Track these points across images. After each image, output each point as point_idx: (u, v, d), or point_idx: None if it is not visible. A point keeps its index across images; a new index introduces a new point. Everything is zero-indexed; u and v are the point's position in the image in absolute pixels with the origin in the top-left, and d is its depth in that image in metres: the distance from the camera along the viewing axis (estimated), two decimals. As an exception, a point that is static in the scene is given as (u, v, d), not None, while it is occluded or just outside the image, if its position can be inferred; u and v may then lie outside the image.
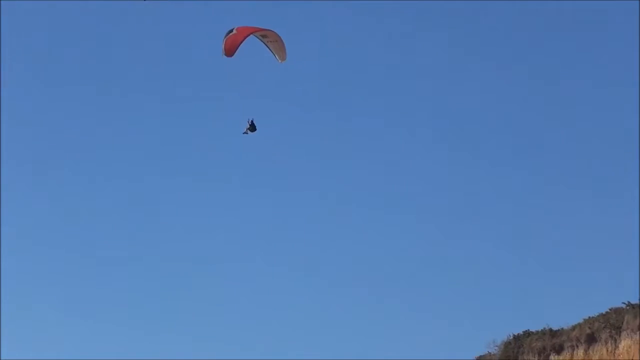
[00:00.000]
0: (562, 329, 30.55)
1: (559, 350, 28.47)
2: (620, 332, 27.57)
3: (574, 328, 29.29)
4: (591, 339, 27.83)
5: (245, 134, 37.41)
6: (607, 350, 27.43)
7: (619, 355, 27.08)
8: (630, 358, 26.51)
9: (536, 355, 29.02)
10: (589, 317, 30.76)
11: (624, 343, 26.94)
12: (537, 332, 32.51)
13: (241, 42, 34.30)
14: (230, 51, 33.52)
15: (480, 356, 31.30)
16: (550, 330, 31.34)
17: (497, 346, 29.97)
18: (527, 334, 32.95)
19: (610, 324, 28.14)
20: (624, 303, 30.98)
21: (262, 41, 35.86)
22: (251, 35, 34.61)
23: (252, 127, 37.59)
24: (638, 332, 25.94)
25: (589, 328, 28.89)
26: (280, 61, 36.39)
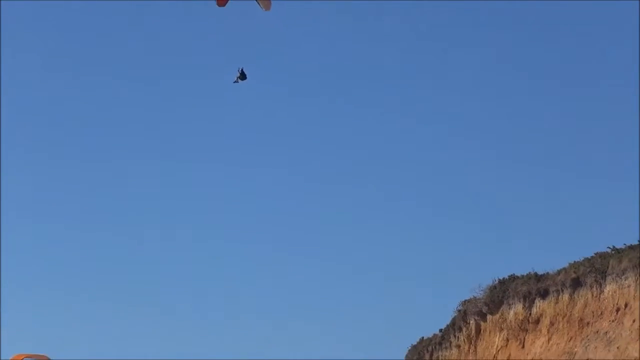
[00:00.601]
0: (548, 273, 30.60)
1: (544, 294, 28.65)
2: (605, 276, 27.78)
3: (559, 272, 29.39)
4: (576, 283, 28.01)
5: (235, 83, 37.64)
6: (592, 295, 27.62)
7: (604, 299, 27.33)
8: (615, 302, 26.79)
9: (521, 300, 29.19)
10: (574, 261, 30.79)
11: (609, 287, 27.14)
12: (523, 276, 32.50)
13: None
14: (222, 0, 33.89)
15: (466, 300, 31.61)
16: (536, 274, 31.36)
17: (482, 290, 30.23)
18: (513, 278, 32.96)
19: (595, 269, 28.24)
20: (608, 247, 31.04)
21: None
22: None
23: (242, 76, 37.84)
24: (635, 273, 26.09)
25: (574, 272, 29.05)
26: (264, 10, 36.74)
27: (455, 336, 31.99)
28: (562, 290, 28.53)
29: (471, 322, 30.59)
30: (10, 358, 37.26)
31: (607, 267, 27.93)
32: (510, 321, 28.71)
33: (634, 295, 26.54)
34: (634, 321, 26.10)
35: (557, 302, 28.62)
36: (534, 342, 27.54)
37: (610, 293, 26.83)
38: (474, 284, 32.09)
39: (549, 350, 26.66)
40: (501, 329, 28.51)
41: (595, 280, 27.88)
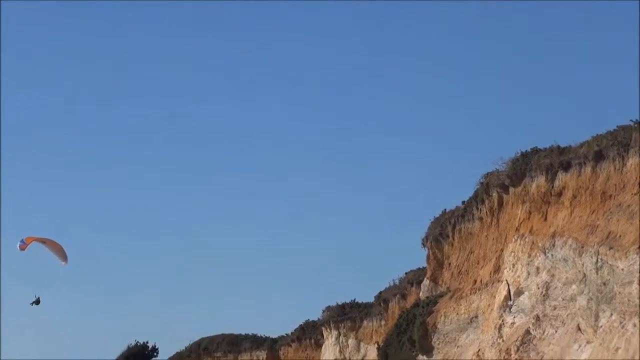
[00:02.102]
0: (570, 146, 30.86)
1: (566, 167, 29.03)
2: (628, 149, 28.17)
3: (581, 145, 29.63)
4: (599, 156, 28.34)
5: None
6: (615, 168, 28.04)
7: (627, 172, 27.94)
8: (637, 175, 27.37)
9: (544, 172, 29.67)
10: (597, 134, 30.93)
11: (632, 160, 27.53)
12: (545, 149, 32.81)
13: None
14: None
15: (488, 173, 32.33)
16: (558, 147, 31.66)
17: (504, 163, 30.67)
18: (535, 151, 33.24)
19: (618, 142, 28.53)
20: (631, 121, 31.07)
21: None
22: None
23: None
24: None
25: (597, 145, 29.39)
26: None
27: (477, 208, 32.85)
28: (585, 163, 28.96)
29: (493, 194, 31.35)
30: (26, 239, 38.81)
31: (630, 140, 28.26)
32: (533, 194, 29.39)
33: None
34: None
35: (579, 175, 29.10)
36: (556, 214, 28.31)
37: (632, 166, 27.29)
38: (496, 156, 32.66)
39: (571, 222, 27.46)
40: (523, 202, 29.24)
41: (618, 153, 28.26)
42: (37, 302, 40.00)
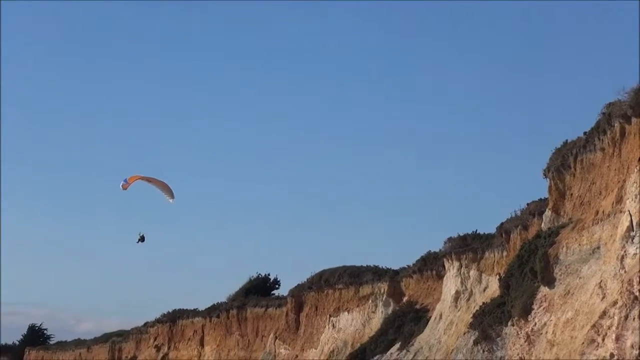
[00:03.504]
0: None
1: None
2: None
3: None
4: None
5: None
6: None
7: None
8: None
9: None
10: None
11: None
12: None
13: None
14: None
15: (610, 103, 32.63)
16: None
17: (627, 93, 30.66)
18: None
19: None
20: None
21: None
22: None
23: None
24: None
25: None
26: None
27: (599, 139, 33.24)
28: None
29: (615, 125, 31.71)
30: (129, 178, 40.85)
31: None
32: (657, 122, 29.77)
33: None
34: None
35: None
36: (681, 142, 28.75)
37: None
38: (619, 86, 32.69)
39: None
40: (647, 131, 29.68)
41: None
42: (142, 239, 42.43)
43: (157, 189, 41.90)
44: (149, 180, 41.76)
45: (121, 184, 40.39)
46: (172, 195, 41.99)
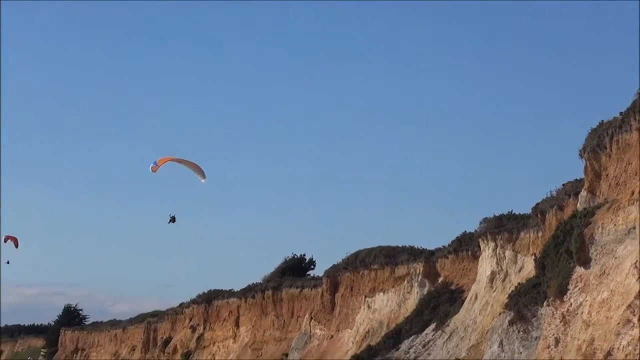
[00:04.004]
0: None
1: None
2: None
3: None
4: None
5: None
6: None
7: None
8: None
9: None
10: None
11: None
12: None
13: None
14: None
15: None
16: None
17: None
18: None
19: None
20: None
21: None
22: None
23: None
24: None
25: None
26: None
27: (635, 119, 33.46)
28: None
29: (652, 105, 31.98)
30: (158, 160, 41.68)
31: None
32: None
33: None
34: None
35: None
36: None
37: None
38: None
39: None
40: (685, 110, 29.81)
41: None
42: (173, 219, 43.23)
43: (189, 170, 42.54)
44: (179, 161, 42.38)
45: (150, 167, 41.02)
46: (203, 175, 42.66)
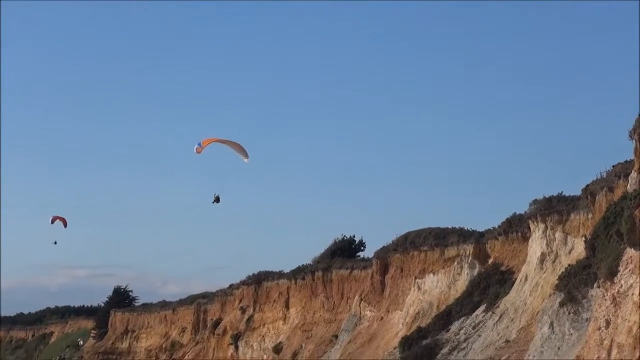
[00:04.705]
0: None
1: None
2: None
3: None
4: None
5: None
6: None
7: None
8: None
9: None
10: None
11: None
12: None
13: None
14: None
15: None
16: None
17: None
18: None
19: None
20: None
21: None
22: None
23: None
24: None
25: None
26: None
27: (685, 100, 33.93)
28: None
29: (702, 85, 32.33)
30: (202, 142, 42.68)
31: None
32: None
33: None
34: None
35: None
36: None
37: None
38: None
39: None
40: None
41: None
42: (217, 200, 44.30)
43: (232, 150, 43.53)
44: (223, 141, 43.35)
45: (195, 148, 42.02)
46: (246, 155, 43.68)
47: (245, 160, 43.82)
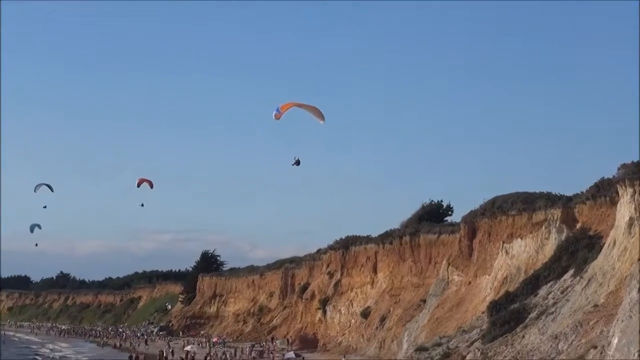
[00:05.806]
0: None
1: None
2: None
3: None
4: None
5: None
6: None
7: None
8: None
9: None
10: None
11: None
12: None
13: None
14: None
15: None
16: None
17: None
18: None
19: None
20: None
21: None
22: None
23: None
24: None
25: None
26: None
27: None
28: None
29: None
30: (281, 107, 44.42)
31: None
32: None
33: None
34: None
35: None
36: None
37: None
38: None
39: None
40: None
41: None
42: (298, 162, 46.14)
43: (309, 113, 45.18)
44: (300, 105, 44.98)
45: (274, 114, 43.67)
46: (322, 118, 45.35)
47: (321, 122, 45.48)
